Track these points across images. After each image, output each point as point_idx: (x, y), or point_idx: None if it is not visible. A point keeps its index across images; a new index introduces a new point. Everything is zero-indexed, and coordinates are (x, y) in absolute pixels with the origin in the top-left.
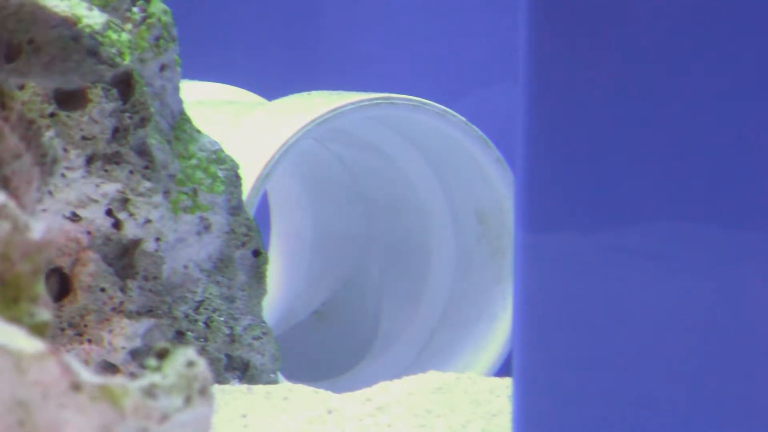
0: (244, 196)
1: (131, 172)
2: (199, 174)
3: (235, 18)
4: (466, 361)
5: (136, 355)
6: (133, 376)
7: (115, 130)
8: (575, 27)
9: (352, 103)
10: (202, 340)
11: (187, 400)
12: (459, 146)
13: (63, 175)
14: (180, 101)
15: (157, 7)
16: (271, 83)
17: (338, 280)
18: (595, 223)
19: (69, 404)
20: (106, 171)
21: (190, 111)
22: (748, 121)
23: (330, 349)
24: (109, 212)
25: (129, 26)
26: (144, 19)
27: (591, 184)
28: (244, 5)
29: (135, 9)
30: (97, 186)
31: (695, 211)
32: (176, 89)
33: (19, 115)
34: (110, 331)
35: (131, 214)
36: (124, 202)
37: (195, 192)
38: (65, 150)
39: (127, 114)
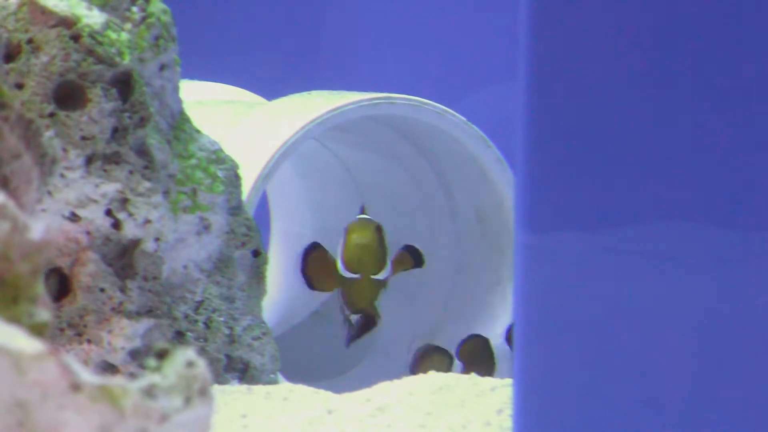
0: (244, 196)
1: (131, 172)
2: (199, 174)
3: (234, 18)
4: None
5: (135, 355)
6: (132, 376)
7: (115, 130)
8: (575, 27)
9: (352, 103)
10: (201, 340)
11: (187, 401)
12: (459, 146)
13: (62, 175)
14: (179, 101)
15: (157, 6)
16: (271, 83)
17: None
18: (595, 223)
19: (68, 405)
20: (105, 171)
21: (190, 111)
22: (749, 122)
23: (330, 349)
24: (108, 212)
25: (128, 26)
26: (143, 18)
27: (591, 184)
28: (243, 6)
29: (134, 9)
30: (97, 186)
31: (695, 211)
32: (176, 89)
33: (19, 115)
34: (110, 332)
35: (131, 214)
36: (124, 202)
37: (195, 192)
38: (64, 150)
39: (126, 114)
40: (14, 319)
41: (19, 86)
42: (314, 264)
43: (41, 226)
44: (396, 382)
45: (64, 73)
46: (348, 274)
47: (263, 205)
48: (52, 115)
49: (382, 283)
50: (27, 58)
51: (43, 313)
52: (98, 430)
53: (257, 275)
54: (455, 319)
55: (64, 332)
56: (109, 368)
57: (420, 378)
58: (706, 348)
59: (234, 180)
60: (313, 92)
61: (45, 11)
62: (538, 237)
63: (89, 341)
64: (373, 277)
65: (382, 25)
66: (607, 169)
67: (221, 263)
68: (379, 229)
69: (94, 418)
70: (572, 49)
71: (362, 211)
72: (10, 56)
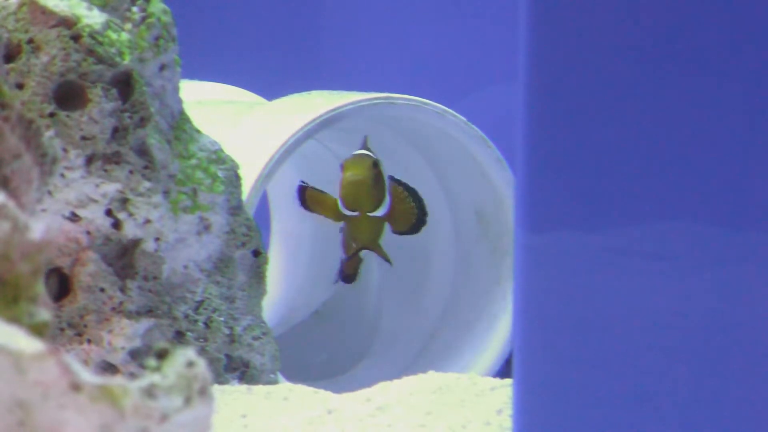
0: (244, 196)
1: (131, 172)
2: (199, 174)
3: (235, 18)
4: (466, 361)
5: (135, 355)
6: (132, 376)
7: (115, 130)
8: (575, 27)
9: (352, 103)
10: (201, 340)
11: (187, 401)
12: (459, 146)
13: (62, 175)
14: (180, 101)
15: (157, 6)
16: (271, 83)
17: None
18: (595, 223)
19: (69, 404)
20: (105, 171)
21: (190, 111)
22: (748, 121)
23: (330, 349)
24: (108, 212)
25: (129, 26)
26: (144, 18)
27: (591, 184)
28: (244, 5)
29: (135, 9)
30: (97, 186)
31: (695, 211)
32: (176, 89)
33: (19, 115)
34: (110, 331)
35: (131, 214)
36: (124, 202)
37: (195, 192)
38: (65, 150)
39: (126, 114)
40: (15, 319)
41: (20, 86)
42: (312, 198)
43: (41, 226)
44: (396, 382)
45: (65, 73)
46: (346, 212)
47: (263, 205)
48: (52, 115)
49: (382, 219)
50: (27, 58)
51: (44, 313)
52: (99, 429)
53: (257, 275)
54: (455, 319)
55: (65, 332)
56: (109, 368)
57: (420, 378)
58: (705, 348)
59: (234, 180)
60: (313, 92)
61: (45, 11)
62: (538, 237)
63: (89, 341)
64: (371, 214)
65: (382, 25)
66: (607, 169)
67: (221, 263)
68: (375, 164)
69: (95, 417)
70: (572, 50)
71: (364, 143)
72: (11, 56)
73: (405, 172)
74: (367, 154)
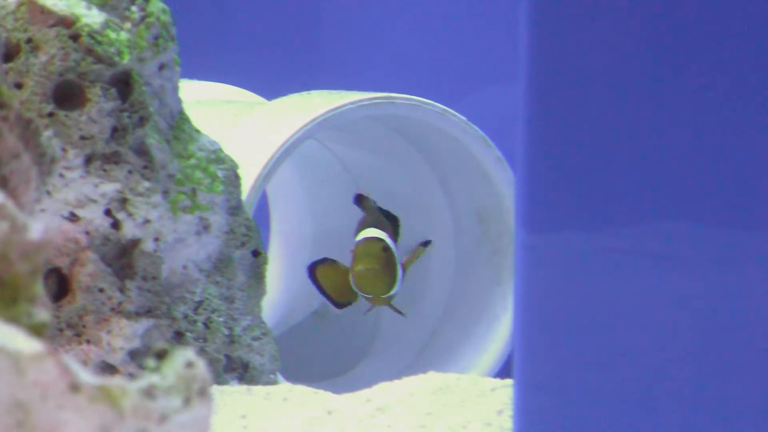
0: (244, 195)
1: (130, 171)
2: (199, 174)
3: (235, 18)
4: (467, 361)
5: (134, 355)
6: (132, 376)
7: (114, 130)
8: (575, 27)
9: (352, 103)
10: (201, 340)
11: (186, 401)
12: (459, 146)
13: (61, 175)
14: (179, 101)
15: (156, 6)
16: (271, 83)
17: None
18: (595, 223)
19: (68, 405)
20: (104, 171)
21: (190, 111)
22: (748, 121)
23: (330, 349)
24: (107, 212)
25: (128, 25)
26: (143, 18)
27: (591, 184)
28: (244, 5)
29: (134, 8)
30: (96, 186)
31: (695, 211)
32: (175, 89)
33: (18, 115)
34: (109, 332)
35: (130, 214)
36: (123, 202)
37: (194, 192)
38: (64, 150)
39: (126, 113)
40: (13, 320)
41: (18, 86)
42: (323, 275)
43: (40, 226)
44: (396, 382)
45: (64, 73)
46: (359, 293)
47: (263, 205)
48: (51, 114)
49: (393, 296)
50: (26, 57)
51: (42, 314)
52: (98, 430)
53: (257, 275)
54: (455, 319)
55: (63, 333)
56: (108, 369)
57: (420, 378)
58: (705, 348)
59: (234, 180)
60: (313, 92)
61: (44, 10)
62: (538, 237)
63: (88, 341)
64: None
65: (382, 25)
66: (607, 169)
67: (221, 263)
68: (386, 249)
69: (94, 418)
70: (572, 49)
71: (368, 200)
72: (9, 56)
73: (405, 172)
74: (377, 238)
